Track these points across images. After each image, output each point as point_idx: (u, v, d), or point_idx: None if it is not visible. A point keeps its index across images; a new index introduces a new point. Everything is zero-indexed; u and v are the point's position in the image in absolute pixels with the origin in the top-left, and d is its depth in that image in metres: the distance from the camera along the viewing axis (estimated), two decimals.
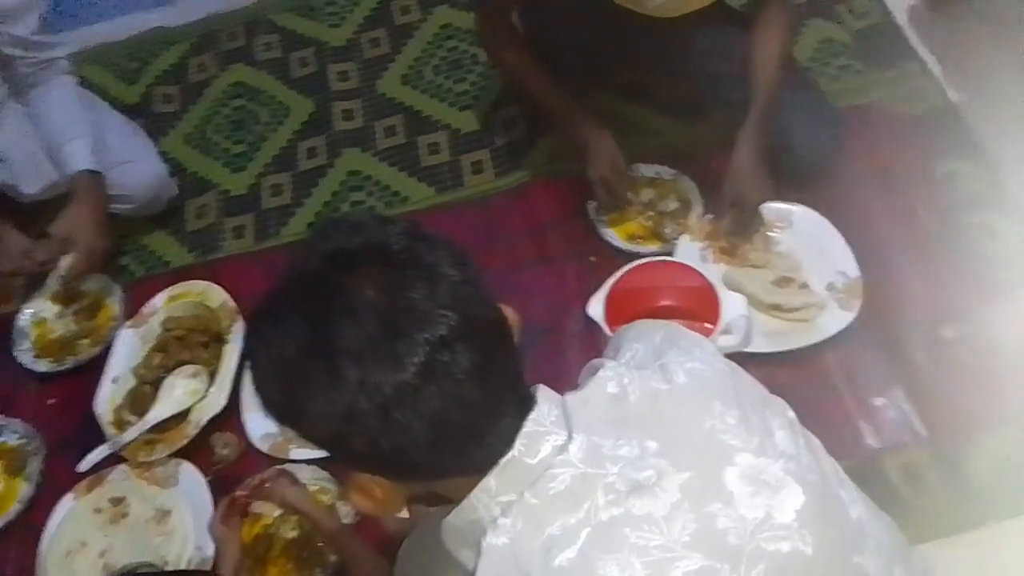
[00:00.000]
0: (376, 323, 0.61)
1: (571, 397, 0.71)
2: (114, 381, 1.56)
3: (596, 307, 1.24)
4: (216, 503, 1.39)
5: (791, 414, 0.78)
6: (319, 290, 0.64)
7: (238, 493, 1.23)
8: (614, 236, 1.56)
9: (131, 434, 1.47)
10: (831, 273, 1.45)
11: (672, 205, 1.57)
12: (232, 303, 1.59)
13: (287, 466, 1.39)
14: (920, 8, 1.77)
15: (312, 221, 1.78)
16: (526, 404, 0.68)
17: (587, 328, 1.46)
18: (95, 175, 1.60)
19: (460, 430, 0.64)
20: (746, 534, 0.64)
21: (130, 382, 1.56)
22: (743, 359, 1.34)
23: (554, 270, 1.58)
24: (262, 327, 0.67)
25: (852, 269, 1.44)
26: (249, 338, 0.70)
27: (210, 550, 1.33)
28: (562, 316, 1.51)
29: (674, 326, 0.83)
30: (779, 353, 1.38)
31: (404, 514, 0.80)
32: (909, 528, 1.21)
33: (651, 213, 1.57)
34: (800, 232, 1.51)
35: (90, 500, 1.43)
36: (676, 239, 1.52)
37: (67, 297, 1.69)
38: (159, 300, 1.64)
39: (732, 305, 1.21)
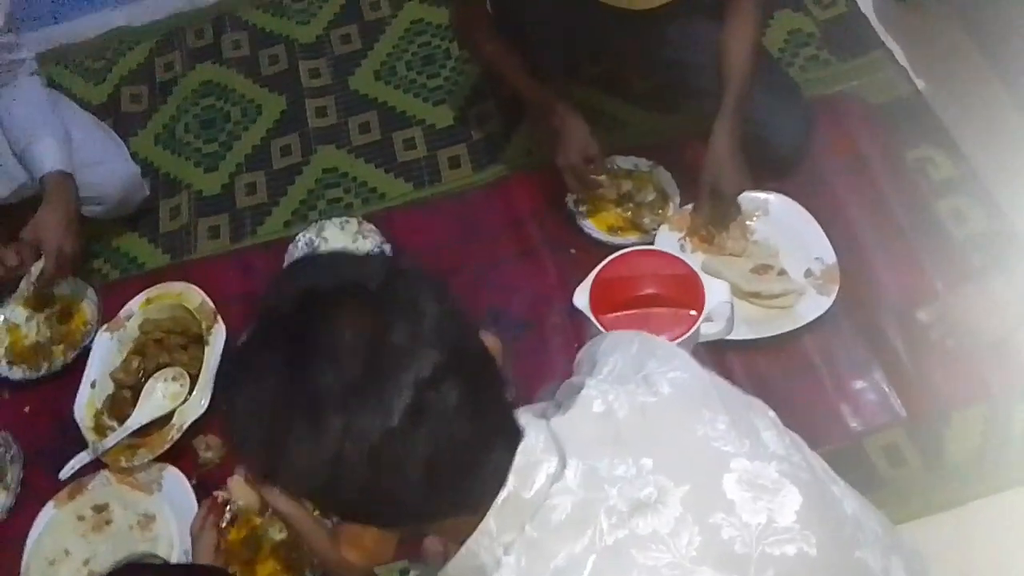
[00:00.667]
0: (358, 367, 0.58)
1: (557, 421, 0.70)
2: (92, 386, 1.54)
3: (582, 297, 1.24)
4: (200, 507, 1.38)
5: (772, 414, 0.78)
6: (295, 334, 0.61)
7: (216, 493, 1.22)
8: (593, 228, 1.57)
9: (112, 440, 1.45)
10: (808, 260, 1.47)
11: (650, 196, 1.59)
12: (211, 304, 1.57)
13: None
14: None
15: (288, 219, 1.76)
16: (515, 434, 0.66)
17: (570, 320, 1.47)
18: (65, 176, 1.57)
19: (453, 469, 0.62)
20: (751, 541, 0.64)
21: (109, 387, 1.54)
22: (726, 346, 1.38)
23: (535, 263, 1.59)
24: (236, 376, 0.64)
25: (828, 255, 1.46)
26: (224, 387, 0.67)
27: None
28: (544, 309, 1.52)
29: (645, 335, 0.83)
30: (760, 340, 1.41)
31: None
32: (894, 508, 1.25)
33: (630, 204, 1.58)
34: (776, 220, 1.53)
35: (72, 508, 1.41)
36: (655, 230, 1.54)
37: (40, 302, 1.66)
38: (136, 303, 1.62)
39: (716, 292, 1.22)
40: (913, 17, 1.77)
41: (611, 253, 1.28)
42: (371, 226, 1.65)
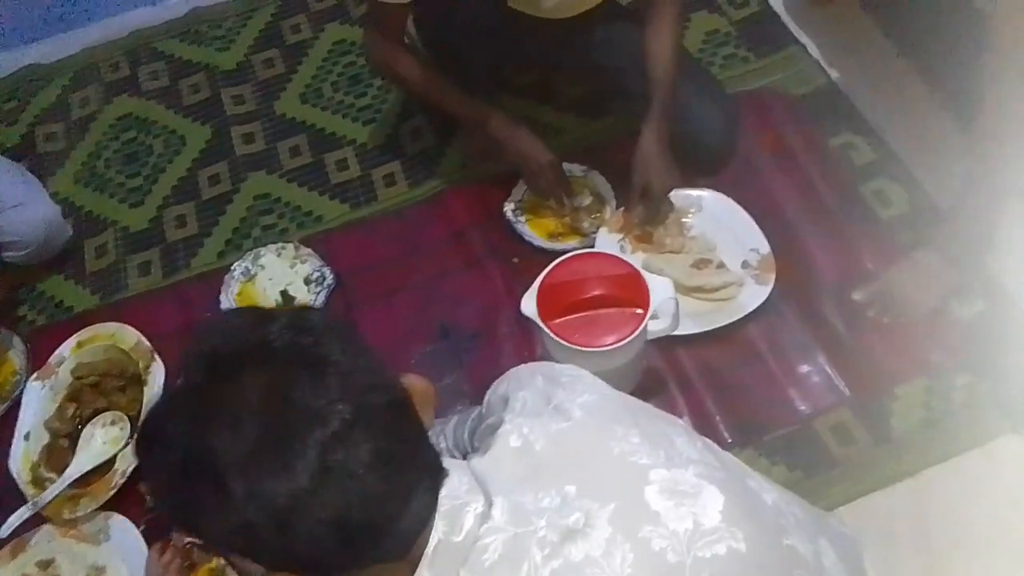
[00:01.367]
0: (258, 429, 0.58)
1: (478, 461, 0.70)
2: (26, 438, 1.47)
3: (529, 304, 1.24)
4: None
5: (681, 422, 0.81)
6: (198, 402, 0.61)
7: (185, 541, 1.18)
8: (533, 236, 1.58)
9: (52, 492, 1.38)
10: (744, 251, 1.50)
11: (587, 200, 1.60)
12: (146, 343, 1.52)
13: None
14: None
15: (223, 250, 1.72)
16: (437, 477, 0.66)
17: (519, 328, 1.47)
18: None
19: (369, 523, 0.61)
20: (682, 548, 0.65)
21: (44, 437, 1.48)
22: (674, 342, 1.40)
23: (479, 274, 1.58)
24: (145, 447, 0.64)
25: (763, 245, 1.50)
26: (139, 458, 0.66)
27: None
28: (493, 318, 1.52)
29: (547, 365, 0.84)
30: (705, 333, 1.43)
31: None
32: (848, 485, 1.29)
33: (567, 210, 1.59)
34: (711, 215, 1.56)
35: (15, 567, 1.35)
36: (594, 233, 1.55)
37: None
38: (66, 348, 1.56)
39: (659, 289, 1.24)
40: (822, 11, 1.84)
41: (553, 259, 1.28)
42: (309, 250, 1.63)
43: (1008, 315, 1.39)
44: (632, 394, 0.82)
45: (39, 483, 1.42)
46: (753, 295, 1.45)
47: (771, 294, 1.44)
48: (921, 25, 1.65)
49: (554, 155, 1.53)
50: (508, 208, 1.61)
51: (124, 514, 1.38)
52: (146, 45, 2.09)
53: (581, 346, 1.19)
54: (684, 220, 1.55)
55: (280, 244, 1.64)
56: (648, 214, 1.51)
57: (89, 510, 1.38)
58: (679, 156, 1.48)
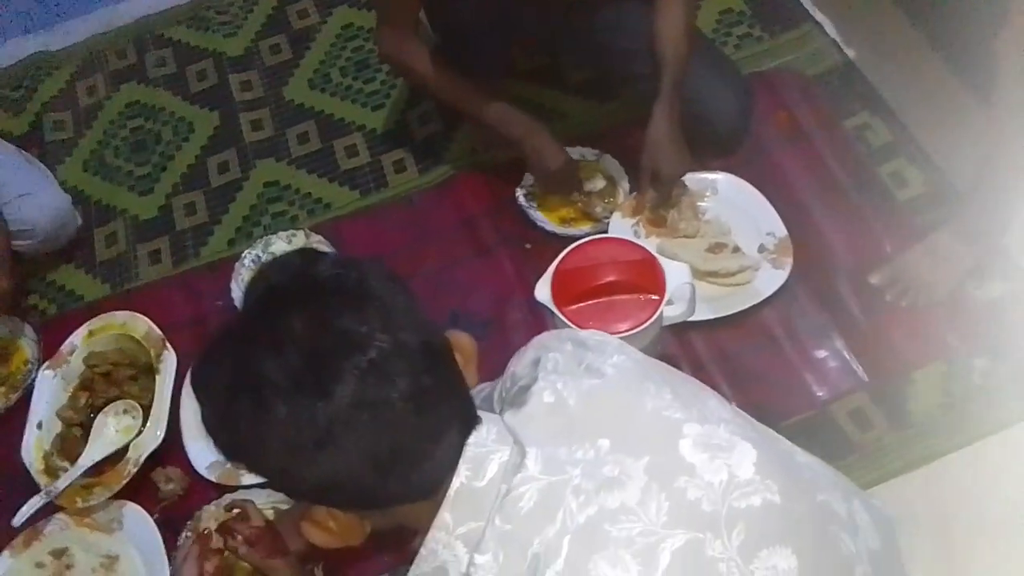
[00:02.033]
0: (300, 355, 0.60)
1: (511, 415, 0.71)
2: (39, 427, 1.47)
3: (543, 291, 1.23)
4: (166, 542, 1.33)
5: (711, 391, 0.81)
6: (248, 329, 0.65)
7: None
8: (546, 221, 1.56)
9: (65, 480, 1.38)
10: (760, 235, 1.48)
11: (600, 184, 1.58)
12: (158, 331, 1.52)
13: (240, 492, 1.34)
14: None
15: (232, 238, 1.71)
16: (469, 423, 0.68)
17: (532, 315, 1.46)
18: None
19: (401, 454, 0.63)
20: (717, 498, 0.65)
21: (57, 426, 1.47)
22: (689, 328, 1.38)
23: (490, 261, 1.57)
24: (199, 370, 0.68)
25: (779, 229, 1.48)
26: (192, 381, 0.69)
27: None
28: (505, 306, 1.51)
29: (574, 331, 0.86)
30: (721, 318, 1.41)
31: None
32: (866, 471, 1.27)
33: (580, 195, 1.57)
34: (725, 198, 1.54)
35: (29, 556, 1.35)
36: (608, 218, 1.54)
37: None
38: (78, 337, 1.55)
39: (675, 274, 1.22)
40: None
41: (566, 245, 1.27)
42: (319, 237, 1.62)
43: None
44: None
45: (52, 472, 1.42)
46: (770, 280, 1.43)
47: (788, 279, 1.42)
48: (945, 8, 1.61)
49: (568, 156, 1.51)
50: (520, 193, 1.59)
51: (137, 503, 1.38)
52: (152, 32, 2.08)
53: None
54: (699, 204, 1.53)
55: (291, 231, 1.63)
56: (659, 198, 1.49)
57: (102, 499, 1.38)
58: (692, 138, 1.46)
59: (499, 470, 0.65)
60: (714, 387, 1.34)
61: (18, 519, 1.37)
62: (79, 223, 1.76)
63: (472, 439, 0.67)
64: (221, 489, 1.37)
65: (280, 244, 1.62)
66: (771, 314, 1.43)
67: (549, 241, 1.51)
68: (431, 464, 0.65)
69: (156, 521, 1.36)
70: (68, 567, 1.35)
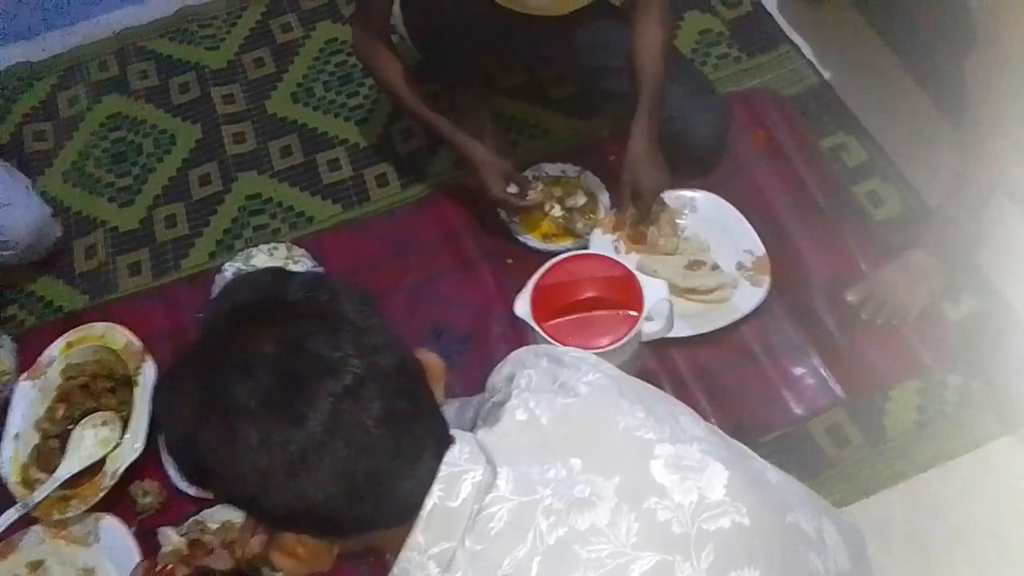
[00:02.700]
0: (272, 377, 0.59)
1: (484, 433, 0.71)
2: (15, 439, 1.45)
3: (522, 306, 1.24)
4: (143, 556, 1.32)
5: (685, 407, 0.81)
6: (215, 350, 0.62)
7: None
8: (528, 236, 1.58)
9: (42, 492, 1.37)
10: (738, 253, 1.50)
11: (581, 200, 1.60)
12: (137, 343, 1.51)
13: (217, 507, 1.33)
14: None
15: (214, 250, 1.71)
16: (443, 445, 0.67)
17: (512, 330, 1.47)
18: None
19: (375, 479, 0.62)
20: (687, 520, 0.66)
21: (34, 438, 1.46)
22: (668, 344, 1.40)
23: (472, 276, 1.58)
24: (163, 393, 0.66)
25: (757, 247, 1.50)
26: (154, 405, 0.68)
27: None
28: (486, 320, 1.52)
29: (551, 347, 0.85)
30: (700, 335, 1.43)
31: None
32: (843, 488, 1.29)
33: (561, 211, 1.59)
34: (704, 216, 1.56)
35: (5, 568, 1.34)
36: (589, 233, 1.55)
37: None
38: (55, 348, 1.54)
39: (654, 290, 1.23)
40: (815, 11, 1.84)
41: (547, 260, 1.28)
42: (301, 250, 1.62)
43: (1000, 316, 1.39)
44: None
45: (29, 484, 1.41)
46: (748, 297, 1.45)
47: (765, 296, 1.44)
48: (914, 25, 1.65)
49: (505, 162, 1.50)
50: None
51: (115, 516, 1.37)
52: (134, 44, 2.07)
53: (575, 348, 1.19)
54: (678, 221, 1.55)
55: (272, 244, 1.62)
56: (639, 215, 1.50)
57: (79, 511, 1.37)
58: (670, 156, 1.48)
59: (472, 490, 0.65)
60: (693, 404, 1.36)
61: None
62: (59, 234, 1.75)
63: (446, 458, 0.66)
64: (199, 502, 1.36)
65: (262, 257, 1.62)
66: (749, 331, 1.44)
67: (530, 256, 1.52)
68: (406, 488, 0.64)
69: (133, 534, 1.35)
70: None
